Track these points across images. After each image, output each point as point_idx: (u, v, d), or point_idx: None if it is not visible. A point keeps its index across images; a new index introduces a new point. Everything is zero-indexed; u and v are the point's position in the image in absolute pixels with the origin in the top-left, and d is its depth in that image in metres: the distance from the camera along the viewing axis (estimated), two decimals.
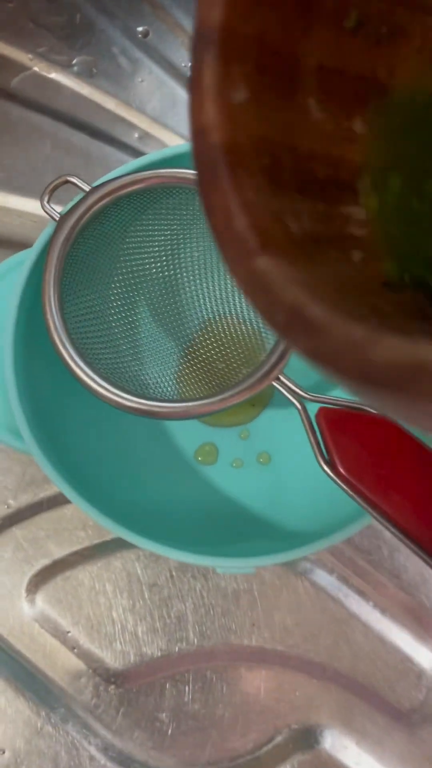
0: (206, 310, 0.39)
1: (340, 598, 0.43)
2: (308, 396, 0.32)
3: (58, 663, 0.42)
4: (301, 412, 0.32)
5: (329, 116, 0.17)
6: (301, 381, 0.33)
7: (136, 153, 0.49)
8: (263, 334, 0.38)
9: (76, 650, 0.42)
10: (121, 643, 0.42)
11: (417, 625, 0.43)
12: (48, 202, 0.34)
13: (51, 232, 0.34)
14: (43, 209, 0.34)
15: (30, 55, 0.49)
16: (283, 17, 0.16)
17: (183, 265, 0.39)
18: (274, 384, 0.33)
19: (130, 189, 0.34)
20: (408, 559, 0.43)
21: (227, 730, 0.41)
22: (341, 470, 0.30)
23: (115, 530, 0.34)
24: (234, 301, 0.38)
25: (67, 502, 0.43)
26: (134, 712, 0.41)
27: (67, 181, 0.34)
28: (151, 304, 0.39)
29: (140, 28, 0.50)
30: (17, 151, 0.49)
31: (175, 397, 0.38)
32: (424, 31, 0.18)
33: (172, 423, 0.42)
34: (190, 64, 0.15)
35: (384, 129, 0.18)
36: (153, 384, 0.37)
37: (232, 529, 0.39)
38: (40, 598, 0.43)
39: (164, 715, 0.41)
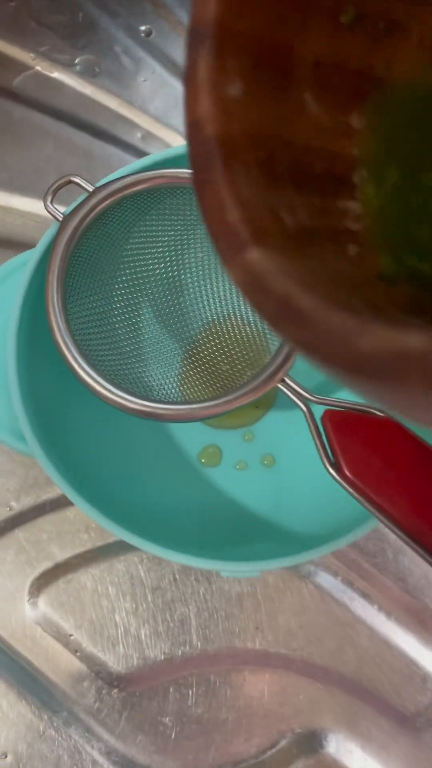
0: (210, 311, 0.39)
1: (344, 602, 0.42)
2: (314, 398, 0.32)
3: (61, 666, 0.42)
4: (307, 414, 0.32)
5: (326, 111, 0.17)
6: (305, 382, 0.33)
7: (139, 153, 0.49)
8: (268, 336, 0.38)
9: (78, 653, 0.42)
10: (124, 646, 0.42)
11: (422, 629, 0.42)
12: (51, 202, 0.33)
13: (54, 233, 0.33)
14: (47, 209, 0.33)
15: (32, 54, 0.49)
16: (278, 13, 0.16)
17: (187, 265, 0.38)
18: (279, 386, 0.33)
19: (133, 189, 0.34)
20: (413, 562, 0.43)
21: (231, 735, 0.41)
22: (347, 473, 0.30)
23: (118, 533, 0.33)
24: (238, 302, 0.38)
25: (69, 504, 0.43)
26: (137, 716, 0.41)
27: (71, 181, 0.34)
28: (155, 305, 0.39)
29: (143, 27, 0.50)
30: (19, 150, 0.49)
31: (178, 399, 0.37)
32: (421, 26, 0.18)
33: (176, 425, 0.42)
34: (185, 58, 0.15)
35: (380, 122, 0.18)
36: (156, 386, 0.37)
37: (235, 532, 0.39)
38: (42, 601, 0.42)
39: (167, 719, 0.41)
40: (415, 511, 0.29)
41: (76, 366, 0.32)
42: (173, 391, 0.37)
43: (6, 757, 0.40)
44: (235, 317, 0.39)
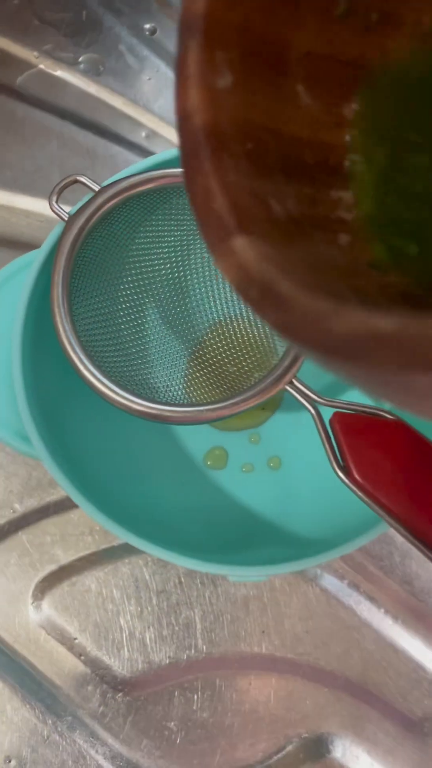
0: (216, 312, 0.38)
1: (351, 605, 0.42)
2: (322, 400, 0.32)
3: (65, 670, 0.41)
4: (315, 417, 0.31)
5: (318, 102, 0.17)
6: (313, 384, 0.32)
7: (144, 152, 0.49)
8: (275, 338, 0.37)
9: (83, 657, 0.41)
10: (128, 650, 0.41)
11: (429, 633, 0.42)
12: (56, 202, 0.33)
13: (59, 233, 0.33)
14: (52, 209, 0.33)
15: (35, 53, 0.49)
16: (269, 5, 0.16)
17: (192, 266, 0.38)
18: (287, 388, 0.32)
19: (140, 189, 0.33)
20: (420, 565, 0.42)
21: (236, 740, 0.40)
22: (356, 476, 0.29)
23: (122, 536, 0.33)
24: None
25: (73, 506, 0.42)
26: (142, 721, 0.41)
27: (76, 181, 0.33)
28: (160, 306, 0.38)
29: (147, 26, 0.49)
30: (22, 150, 0.48)
31: (184, 401, 0.37)
32: (415, 16, 0.18)
33: (181, 427, 0.41)
34: (176, 50, 0.16)
35: (371, 106, 0.18)
36: (162, 388, 0.36)
37: (242, 535, 0.39)
38: (46, 604, 0.42)
39: (172, 723, 0.41)
40: (426, 514, 0.29)
41: (81, 367, 0.32)
42: (179, 392, 0.37)
43: (10, 761, 0.40)
44: (242, 318, 0.38)
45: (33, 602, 0.42)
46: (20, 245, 0.46)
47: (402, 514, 0.29)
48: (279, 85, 0.17)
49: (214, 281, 0.38)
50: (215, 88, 0.15)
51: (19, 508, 0.43)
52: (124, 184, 0.33)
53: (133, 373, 0.36)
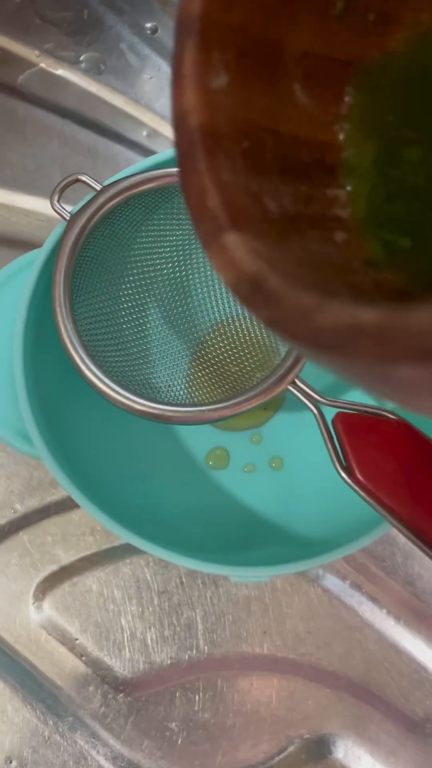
0: (218, 311, 0.38)
1: (353, 606, 0.42)
2: (325, 401, 0.32)
3: (66, 671, 0.41)
4: (318, 417, 0.31)
5: (315, 101, 0.18)
6: (316, 384, 0.32)
7: (145, 151, 0.49)
8: (277, 337, 0.37)
9: (84, 658, 0.41)
10: (130, 650, 0.41)
11: (431, 633, 0.42)
12: (58, 201, 0.33)
13: (61, 232, 0.33)
14: (53, 208, 0.33)
15: (36, 52, 0.49)
16: (266, 6, 0.16)
17: (194, 265, 0.38)
18: (290, 388, 0.32)
19: (141, 188, 0.33)
20: (423, 565, 0.42)
21: (238, 740, 0.40)
22: (359, 477, 0.29)
23: (124, 536, 0.33)
24: None
25: (74, 506, 0.42)
26: (143, 721, 0.41)
27: (78, 180, 0.33)
28: (162, 306, 0.38)
29: (149, 24, 0.49)
30: (23, 149, 0.48)
31: (186, 401, 0.37)
32: (413, 16, 0.18)
33: (183, 427, 0.41)
34: (173, 51, 0.16)
35: (363, 102, 0.18)
36: (164, 387, 0.36)
37: (243, 535, 0.38)
38: (47, 605, 0.42)
39: (174, 724, 0.41)
40: (428, 514, 0.29)
41: (83, 367, 0.31)
42: (181, 392, 0.37)
43: (11, 762, 0.40)
44: (244, 318, 0.38)
45: (34, 602, 0.42)
46: (20, 244, 0.46)
47: (404, 514, 0.29)
48: (276, 85, 0.17)
49: (216, 280, 0.38)
50: (211, 88, 0.16)
51: (20, 508, 0.43)
52: (126, 183, 0.33)
53: (134, 373, 0.35)
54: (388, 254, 0.17)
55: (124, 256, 0.36)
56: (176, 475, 0.40)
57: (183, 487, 0.40)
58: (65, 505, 0.43)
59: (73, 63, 0.49)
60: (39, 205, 0.47)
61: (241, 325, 0.38)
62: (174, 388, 0.37)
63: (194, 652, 0.41)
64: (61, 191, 0.33)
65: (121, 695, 0.41)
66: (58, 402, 0.36)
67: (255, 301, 0.14)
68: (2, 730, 0.40)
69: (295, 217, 0.17)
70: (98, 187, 0.33)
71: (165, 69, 0.49)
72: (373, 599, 0.42)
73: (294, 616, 0.42)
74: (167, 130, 0.49)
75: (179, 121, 0.16)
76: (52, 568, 0.42)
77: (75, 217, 0.33)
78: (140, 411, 0.32)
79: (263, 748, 0.40)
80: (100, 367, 0.32)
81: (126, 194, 0.33)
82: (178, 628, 0.42)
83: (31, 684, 0.41)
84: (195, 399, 0.37)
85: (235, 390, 0.36)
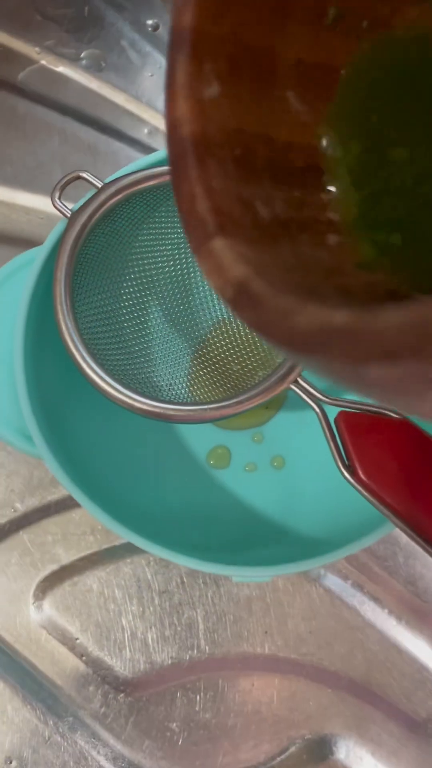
0: (220, 309, 0.38)
1: (354, 605, 0.42)
2: (327, 399, 0.31)
3: (66, 671, 0.41)
4: (320, 416, 0.31)
5: (309, 107, 0.18)
6: (317, 382, 0.32)
7: (146, 148, 0.48)
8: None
9: (84, 658, 0.41)
10: (130, 650, 0.41)
11: None
12: (59, 198, 0.33)
13: (62, 230, 0.33)
14: (54, 206, 0.33)
15: (37, 48, 0.48)
16: (256, 16, 0.17)
17: (196, 263, 0.38)
18: (292, 387, 0.32)
19: (143, 185, 0.33)
20: (425, 566, 0.42)
21: (239, 741, 0.40)
22: (362, 476, 0.29)
23: (125, 535, 0.33)
24: None
25: (75, 505, 0.42)
26: (144, 722, 0.40)
27: (79, 177, 0.33)
28: (163, 304, 0.38)
29: (150, 22, 0.49)
30: (24, 146, 0.48)
31: (187, 399, 0.37)
32: (407, 23, 0.18)
33: (184, 426, 0.41)
34: (166, 62, 0.16)
35: (350, 103, 0.18)
36: (165, 386, 0.36)
37: (245, 535, 0.38)
38: (47, 604, 0.42)
39: (175, 724, 0.40)
40: (431, 514, 0.29)
41: (84, 365, 0.31)
42: (182, 391, 0.37)
43: (11, 762, 0.40)
44: None
45: (34, 602, 0.42)
46: (20, 242, 0.46)
47: (407, 513, 0.29)
48: (269, 93, 0.17)
49: None
50: (203, 98, 0.16)
51: (21, 507, 0.43)
52: (127, 180, 0.33)
53: (136, 372, 0.35)
54: (379, 254, 0.17)
55: (126, 254, 0.36)
56: (177, 474, 0.40)
57: (184, 486, 0.40)
58: (66, 504, 0.43)
59: (73, 60, 0.49)
60: (39, 202, 0.47)
61: (242, 323, 0.38)
62: (175, 387, 0.37)
63: (195, 652, 0.41)
64: (62, 188, 0.33)
65: (121, 695, 0.41)
66: (58, 400, 0.36)
67: (240, 304, 0.14)
68: (2, 730, 0.40)
69: (287, 222, 0.17)
70: (99, 185, 0.33)
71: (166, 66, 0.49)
72: (375, 599, 0.42)
73: (295, 615, 0.41)
74: None
75: (171, 131, 0.16)
76: (53, 567, 0.42)
77: (76, 214, 0.32)
78: (141, 410, 0.32)
79: (264, 748, 0.40)
80: (101, 365, 0.31)
81: (127, 192, 0.33)
82: (179, 628, 0.41)
83: (32, 684, 0.41)
84: (196, 398, 0.37)
85: (236, 389, 0.36)
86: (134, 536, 0.33)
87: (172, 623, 0.41)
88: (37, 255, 0.34)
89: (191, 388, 0.37)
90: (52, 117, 0.48)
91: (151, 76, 0.49)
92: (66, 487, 0.33)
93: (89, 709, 0.41)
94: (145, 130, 0.48)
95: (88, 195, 0.33)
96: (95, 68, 0.49)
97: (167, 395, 0.36)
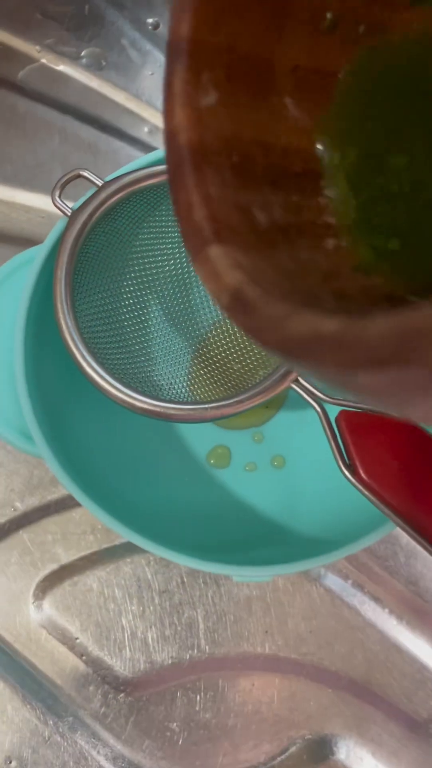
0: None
1: (355, 605, 0.42)
2: (328, 399, 0.31)
3: (66, 670, 0.41)
4: (321, 415, 0.31)
5: (306, 113, 0.18)
6: (318, 382, 0.32)
7: (146, 147, 0.48)
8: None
9: (84, 657, 0.41)
10: (130, 650, 0.41)
11: None
12: (59, 196, 0.33)
13: (62, 228, 0.33)
14: (54, 204, 0.33)
15: (37, 47, 0.48)
16: (253, 25, 0.17)
17: None
18: (293, 386, 0.32)
19: (143, 184, 0.33)
20: (425, 565, 0.42)
21: (239, 741, 0.40)
22: (363, 475, 0.29)
23: (125, 534, 0.33)
24: None
25: (75, 505, 0.42)
26: (144, 722, 0.40)
27: (80, 175, 0.33)
28: (163, 303, 0.38)
29: (150, 20, 0.49)
30: (24, 144, 0.48)
31: (187, 398, 0.37)
32: (404, 26, 0.18)
33: (184, 425, 0.41)
34: (164, 72, 0.17)
35: (347, 108, 0.18)
36: (166, 385, 0.36)
37: (245, 534, 0.38)
38: (47, 604, 0.42)
39: (175, 724, 0.40)
40: None
41: (84, 364, 0.31)
42: (182, 390, 0.37)
43: (11, 762, 0.40)
44: None
45: (34, 602, 0.42)
46: (20, 241, 0.46)
47: (408, 513, 0.29)
48: (266, 99, 0.18)
49: None
50: (201, 107, 0.16)
51: (21, 507, 0.43)
52: (128, 179, 0.33)
53: (136, 371, 0.35)
54: (377, 258, 0.18)
55: (126, 253, 0.36)
56: (177, 473, 0.40)
57: (184, 485, 0.40)
58: (66, 504, 0.43)
59: (74, 59, 0.49)
60: (39, 201, 0.47)
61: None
62: (176, 386, 0.36)
63: (195, 651, 0.41)
64: (62, 187, 0.33)
65: (121, 695, 0.41)
66: (58, 400, 0.36)
67: (234, 310, 0.14)
68: (2, 730, 0.40)
69: (285, 227, 0.17)
70: (100, 183, 0.33)
71: None
72: (376, 599, 0.42)
73: (296, 615, 0.41)
74: None
75: (169, 139, 0.16)
76: (53, 566, 0.42)
77: (76, 213, 0.32)
78: (141, 409, 0.31)
79: (265, 748, 0.40)
80: (101, 364, 0.31)
81: (128, 190, 0.33)
82: (179, 628, 0.41)
83: (31, 684, 0.41)
84: (197, 397, 0.37)
85: (237, 388, 0.36)
86: (134, 536, 0.33)
87: (173, 623, 0.41)
88: (37, 254, 0.34)
89: (191, 387, 0.37)
90: (53, 116, 0.48)
91: (152, 74, 0.49)
92: (66, 487, 0.33)
93: (89, 709, 0.41)
94: (146, 129, 0.48)
95: (89, 193, 0.33)
96: (95, 67, 0.49)
97: (167, 394, 0.36)
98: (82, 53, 0.49)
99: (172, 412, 0.32)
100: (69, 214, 0.32)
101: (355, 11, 0.18)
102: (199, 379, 0.37)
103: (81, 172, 0.33)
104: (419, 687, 0.41)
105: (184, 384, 0.37)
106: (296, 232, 0.17)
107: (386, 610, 0.42)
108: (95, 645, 0.41)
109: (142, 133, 0.48)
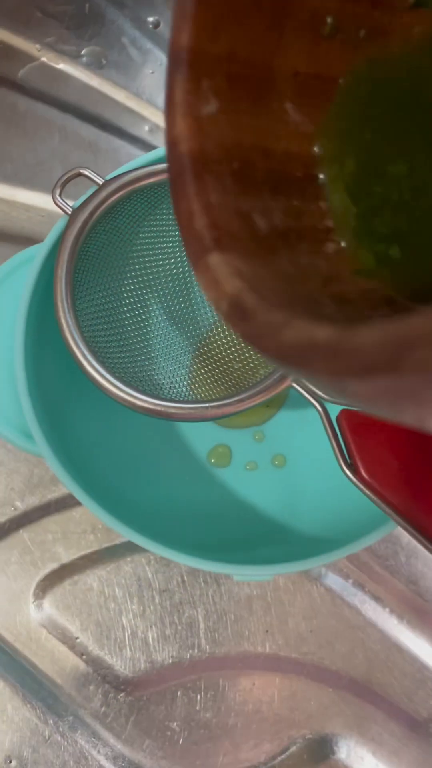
0: None
1: (356, 605, 0.42)
2: (330, 398, 0.31)
3: (67, 670, 0.41)
4: (322, 414, 0.31)
5: (307, 117, 0.18)
6: None
7: (146, 146, 0.48)
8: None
9: (84, 657, 0.41)
10: (131, 649, 0.41)
11: None
12: (60, 195, 0.33)
13: (62, 227, 0.32)
14: (55, 203, 0.33)
15: (38, 45, 0.48)
16: (252, 32, 0.17)
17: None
18: (294, 385, 0.32)
19: (144, 182, 0.33)
20: (426, 565, 0.42)
21: (240, 740, 0.40)
22: (364, 474, 0.29)
23: (125, 533, 0.33)
24: None
25: (75, 504, 0.42)
26: (144, 721, 0.40)
27: (80, 174, 0.33)
28: (164, 302, 0.38)
29: (151, 19, 0.49)
30: (24, 143, 0.48)
31: (188, 397, 0.37)
32: (405, 30, 0.18)
33: (184, 424, 0.41)
34: (165, 82, 0.17)
35: (346, 116, 0.18)
36: (166, 384, 0.36)
37: (246, 533, 0.38)
38: (47, 603, 0.42)
39: (175, 724, 0.40)
40: None
41: (85, 363, 0.31)
42: (183, 389, 0.37)
43: (11, 762, 0.40)
44: None
45: (34, 601, 0.42)
46: (20, 240, 0.46)
47: (409, 512, 0.29)
48: (267, 105, 0.18)
49: None
50: (201, 115, 0.16)
51: (21, 506, 0.43)
52: (128, 177, 0.33)
53: (136, 370, 0.35)
54: (378, 262, 0.18)
55: (127, 252, 0.36)
56: (178, 472, 0.40)
57: (185, 484, 0.40)
58: (66, 503, 0.42)
59: (74, 57, 0.49)
60: (40, 200, 0.47)
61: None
62: (176, 385, 0.36)
63: (196, 651, 0.41)
64: (63, 185, 0.33)
65: (122, 694, 0.41)
66: (59, 398, 0.36)
67: (232, 317, 0.15)
68: (2, 729, 0.40)
69: (286, 231, 0.17)
70: (100, 182, 0.33)
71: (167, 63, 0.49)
72: (376, 598, 0.42)
73: (296, 615, 0.41)
74: None
75: (170, 148, 0.16)
76: (53, 566, 0.42)
77: (77, 211, 0.32)
78: (142, 407, 0.31)
79: (265, 748, 0.40)
80: (102, 363, 0.31)
81: (128, 188, 0.33)
82: (179, 627, 0.41)
83: (31, 683, 0.41)
84: (197, 396, 0.37)
85: (238, 387, 0.36)
86: (135, 535, 0.33)
87: (173, 622, 0.41)
88: (38, 252, 0.34)
89: (192, 386, 0.37)
90: (53, 114, 0.48)
91: (152, 73, 0.49)
92: (66, 486, 0.33)
93: (89, 709, 0.40)
94: (146, 128, 0.48)
95: (89, 192, 0.33)
96: (96, 65, 0.49)
97: (168, 393, 0.36)
98: (83, 52, 0.49)
99: (173, 411, 0.31)
100: (69, 212, 0.32)
101: (355, 15, 0.18)
102: (199, 378, 0.37)
103: (81, 171, 0.33)
104: (420, 686, 0.41)
105: (185, 383, 0.37)
106: (297, 237, 0.17)
107: (387, 610, 0.42)
108: (95, 644, 0.41)
109: (143, 131, 0.48)
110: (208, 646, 0.41)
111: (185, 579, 0.42)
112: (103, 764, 0.40)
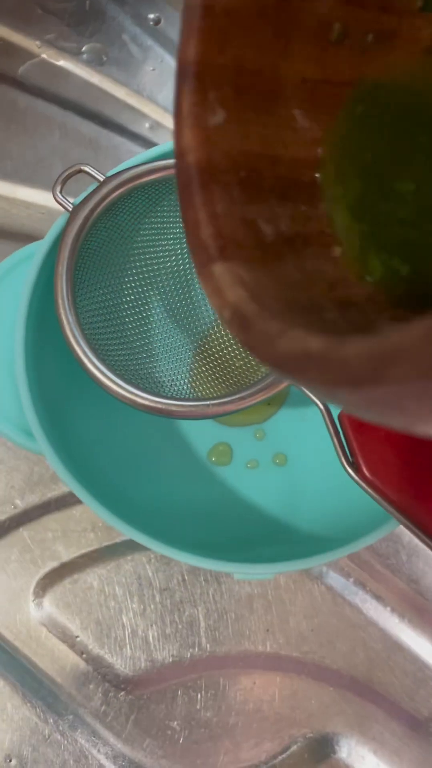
0: None
1: (357, 603, 0.41)
2: None
3: (67, 668, 0.41)
4: (324, 412, 0.31)
5: (315, 123, 0.18)
6: None
7: (147, 143, 0.48)
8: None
9: (84, 655, 0.41)
10: (131, 648, 0.41)
11: None
12: (60, 192, 0.32)
13: (63, 224, 0.32)
14: (56, 199, 0.32)
15: (38, 42, 0.48)
16: (259, 42, 0.17)
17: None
18: None
19: (145, 179, 0.33)
20: (427, 563, 0.42)
21: (240, 739, 0.40)
22: (366, 472, 0.29)
23: (126, 532, 0.32)
24: None
25: (75, 502, 0.42)
26: (145, 720, 0.40)
27: (81, 170, 0.33)
28: (165, 299, 0.38)
29: (151, 15, 0.49)
30: (24, 140, 0.47)
31: (189, 395, 0.36)
32: (412, 34, 0.18)
33: (185, 422, 0.41)
34: (173, 94, 0.17)
35: (355, 129, 0.19)
36: (167, 382, 0.36)
37: (247, 532, 0.38)
38: (47, 602, 0.42)
39: (175, 723, 0.40)
40: None
41: (86, 361, 0.31)
42: (184, 387, 0.37)
43: (10, 761, 0.40)
44: None
45: (34, 599, 0.42)
46: (20, 237, 0.46)
47: (411, 510, 0.28)
48: (274, 113, 0.18)
49: None
50: (208, 126, 0.17)
51: (21, 504, 0.42)
52: (129, 174, 0.33)
53: (137, 367, 0.35)
54: (384, 270, 0.18)
55: (127, 248, 0.36)
56: (179, 470, 0.40)
57: (185, 483, 0.40)
58: (66, 501, 0.42)
59: (74, 54, 0.48)
60: (40, 197, 0.46)
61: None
62: (177, 383, 0.36)
63: (196, 650, 0.41)
64: (63, 182, 0.33)
65: (122, 693, 0.41)
66: (59, 396, 0.36)
67: (233, 325, 0.15)
68: (2, 728, 0.40)
69: (292, 237, 0.18)
70: (101, 178, 0.33)
71: (167, 60, 0.49)
72: (377, 597, 0.42)
73: (297, 613, 0.41)
74: (169, 122, 0.48)
75: (179, 159, 0.17)
76: (53, 564, 0.42)
77: (77, 208, 0.32)
78: (143, 405, 0.31)
79: (266, 747, 0.40)
80: (102, 360, 0.31)
81: (129, 185, 0.33)
82: (180, 626, 0.41)
83: (31, 682, 0.41)
84: (198, 393, 0.37)
85: (239, 385, 0.35)
86: (135, 533, 0.32)
87: (173, 621, 0.41)
88: (38, 249, 0.34)
89: (193, 384, 0.37)
90: (53, 111, 0.48)
91: (153, 70, 0.49)
92: (67, 484, 0.33)
93: (89, 708, 0.40)
94: (147, 125, 0.48)
95: (90, 189, 0.33)
96: (96, 62, 0.48)
97: (169, 391, 0.36)
98: (83, 49, 0.48)
99: (174, 408, 0.31)
100: (70, 209, 0.32)
101: (363, 20, 0.18)
102: (200, 376, 0.37)
103: (82, 167, 0.33)
104: (421, 685, 0.41)
105: (186, 381, 0.37)
106: (303, 242, 0.18)
107: (388, 609, 0.42)
108: (96, 643, 0.41)
109: (143, 128, 0.48)
110: (208, 645, 0.41)
111: (186, 577, 0.41)
112: (103, 763, 0.40)
